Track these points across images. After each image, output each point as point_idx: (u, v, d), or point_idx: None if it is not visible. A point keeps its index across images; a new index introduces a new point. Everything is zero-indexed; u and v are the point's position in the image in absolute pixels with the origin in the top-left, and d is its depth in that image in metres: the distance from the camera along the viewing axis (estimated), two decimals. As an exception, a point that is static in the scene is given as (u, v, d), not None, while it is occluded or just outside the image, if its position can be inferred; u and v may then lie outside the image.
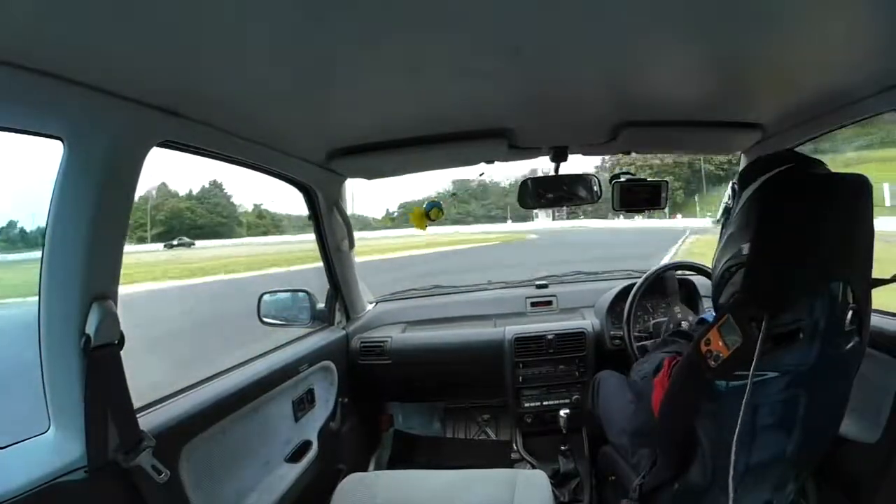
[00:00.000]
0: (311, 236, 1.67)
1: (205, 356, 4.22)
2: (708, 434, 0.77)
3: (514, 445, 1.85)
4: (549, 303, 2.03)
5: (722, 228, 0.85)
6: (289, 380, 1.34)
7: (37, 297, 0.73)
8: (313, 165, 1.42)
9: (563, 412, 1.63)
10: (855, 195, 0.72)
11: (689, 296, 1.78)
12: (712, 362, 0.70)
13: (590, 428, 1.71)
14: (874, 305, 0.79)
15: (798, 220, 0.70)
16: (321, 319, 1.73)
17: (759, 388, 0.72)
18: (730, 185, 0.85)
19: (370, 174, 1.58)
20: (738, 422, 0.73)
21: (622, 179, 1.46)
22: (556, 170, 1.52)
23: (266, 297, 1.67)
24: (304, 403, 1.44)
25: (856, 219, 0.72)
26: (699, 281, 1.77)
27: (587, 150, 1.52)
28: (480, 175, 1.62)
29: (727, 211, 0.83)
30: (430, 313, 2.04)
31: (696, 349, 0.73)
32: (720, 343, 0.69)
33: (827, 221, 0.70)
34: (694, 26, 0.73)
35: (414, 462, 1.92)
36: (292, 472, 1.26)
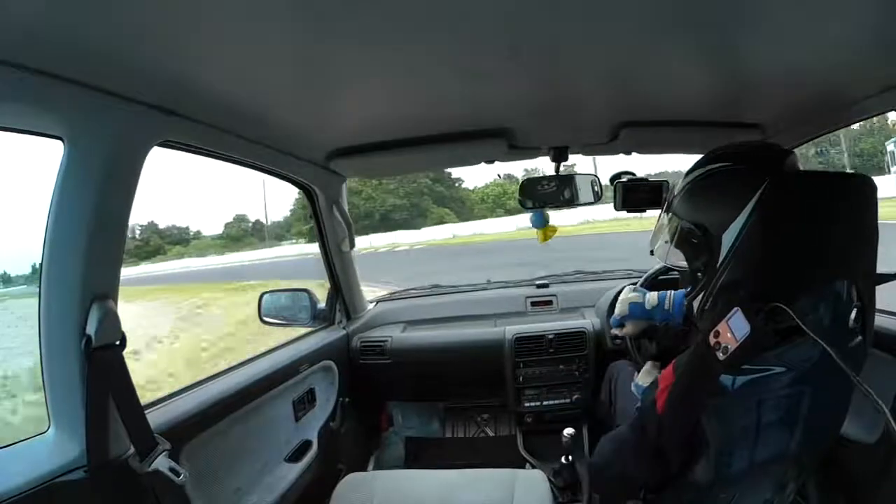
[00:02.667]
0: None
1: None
2: (713, 430, 0.77)
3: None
4: (550, 302, 2.02)
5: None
6: (289, 379, 1.34)
7: (37, 297, 0.74)
8: (313, 165, 1.42)
9: (566, 432, 1.58)
10: (859, 194, 0.73)
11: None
12: (721, 354, 0.71)
13: (593, 423, 1.70)
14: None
15: (804, 220, 0.70)
16: (322, 319, 1.73)
17: (763, 383, 0.73)
18: (676, 213, 0.85)
19: (370, 174, 1.59)
20: (744, 418, 0.73)
21: (623, 179, 1.46)
22: (557, 170, 1.51)
23: (267, 296, 1.67)
24: (304, 403, 1.44)
25: (860, 218, 0.73)
26: None
27: (587, 151, 1.53)
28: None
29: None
30: (430, 313, 2.04)
31: (705, 341, 0.73)
32: (729, 335, 0.70)
33: (832, 221, 0.71)
34: (694, 27, 0.73)
35: (421, 462, 1.92)
36: (292, 471, 1.26)
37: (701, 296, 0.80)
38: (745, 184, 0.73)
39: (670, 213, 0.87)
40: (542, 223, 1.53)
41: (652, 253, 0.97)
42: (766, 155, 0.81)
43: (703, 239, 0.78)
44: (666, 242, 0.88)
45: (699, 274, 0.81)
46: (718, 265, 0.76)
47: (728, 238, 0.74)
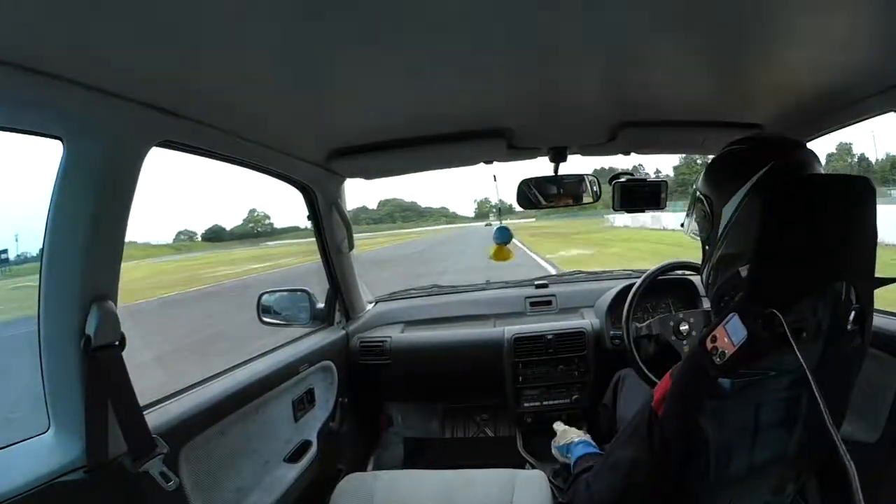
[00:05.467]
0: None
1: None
2: (711, 432, 0.77)
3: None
4: (549, 302, 2.03)
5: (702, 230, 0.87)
6: (289, 380, 1.34)
7: (36, 297, 0.74)
8: (313, 165, 1.42)
9: (556, 426, 1.59)
10: (858, 196, 0.73)
11: (690, 295, 1.78)
12: (717, 359, 0.71)
13: (595, 425, 1.70)
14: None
15: (802, 220, 0.70)
16: (321, 319, 1.73)
17: (762, 385, 0.73)
18: (696, 187, 0.87)
19: (369, 174, 1.59)
20: (742, 420, 0.73)
21: (622, 179, 1.46)
22: (556, 170, 1.52)
23: (265, 296, 1.66)
24: (303, 403, 1.44)
25: (859, 220, 0.72)
26: (699, 280, 1.77)
27: (586, 151, 1.53)
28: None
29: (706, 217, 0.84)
30: (429, 313, 2.04)
31: (702, 346, 0.73)
32: (726, 340, 0.70)
33: (831, 222, 0.70)
34: (694, 26, 0.73)
35: (421, 462, 1.92)
36: (292, 472, 1.26)
37: (706, 268, 0.84)
38: (748, 164, 0.76)
39: (694, 188, 0.91)
40: (503, 240, 1.53)
41: (682, 226, 1.01)
42: (776, 141, 0.82)
43: (708, 211, 0.82)
44: (687, 215, 0.93)
45: (707, 247, 0.85)
46: (718, 237, 0.79)
47: (727, 212, 0.77)
